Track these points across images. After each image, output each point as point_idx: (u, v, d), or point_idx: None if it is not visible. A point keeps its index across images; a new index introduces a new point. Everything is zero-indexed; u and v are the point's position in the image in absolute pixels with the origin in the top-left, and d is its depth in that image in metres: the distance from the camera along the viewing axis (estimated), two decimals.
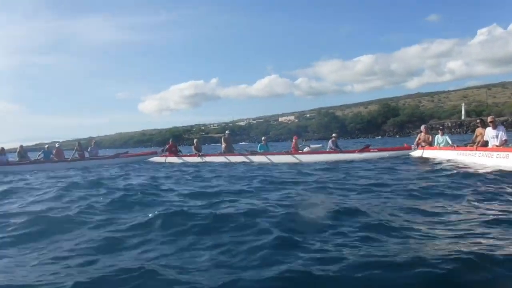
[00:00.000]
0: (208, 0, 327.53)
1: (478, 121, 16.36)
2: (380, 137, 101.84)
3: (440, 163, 14.70)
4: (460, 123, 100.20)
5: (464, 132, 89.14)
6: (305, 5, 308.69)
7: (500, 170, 11.16)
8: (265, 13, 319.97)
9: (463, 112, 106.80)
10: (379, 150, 20.12)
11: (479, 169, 11.98)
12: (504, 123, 14.51)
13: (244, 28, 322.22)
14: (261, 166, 18.20)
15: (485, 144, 14.17)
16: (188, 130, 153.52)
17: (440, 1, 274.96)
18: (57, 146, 24.74)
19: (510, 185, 8.50)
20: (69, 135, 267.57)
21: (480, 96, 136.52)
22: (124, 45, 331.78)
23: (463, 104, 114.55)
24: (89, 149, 24.79)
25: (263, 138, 23.73)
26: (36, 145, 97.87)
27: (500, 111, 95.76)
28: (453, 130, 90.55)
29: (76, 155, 23.93)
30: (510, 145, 13.27)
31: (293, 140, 22.06)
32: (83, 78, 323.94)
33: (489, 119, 14.29)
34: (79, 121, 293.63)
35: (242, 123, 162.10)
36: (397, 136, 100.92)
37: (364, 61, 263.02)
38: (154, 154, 25.31)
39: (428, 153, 17.56)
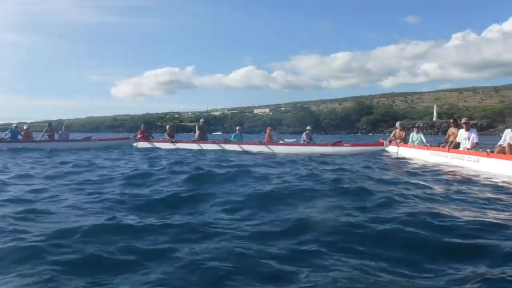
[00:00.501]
0: None
1: (451, 120, 16.58)
2: (352, 134, 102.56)
3: (412, 163, 14.80)
4: (432, 124, 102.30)
5: (435, 133, 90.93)
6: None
7: (471, 173, 11.34)
8: (246, 4, 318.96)
9: (435, 113, 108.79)
10: (353, 145, 20.27)
11: (450, 171, 12.13)
12: (473, 126, 14.88)
13: (223, 18, 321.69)
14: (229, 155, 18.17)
15: (457, 145, 14.34)
16: (162, 117, 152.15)
17: (418, 3, 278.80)
18: (25, 127, 24.09)
19: (476, 190, 8.54)
20: (38, 117, 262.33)
21: (452, 99, 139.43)
22: (99, 27, 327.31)
23: (435, 106, 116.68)
24: (60, 132, 24.14)
25: (237, 128, 23.77)
26: (2, 125, 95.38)
27: (471, 115, 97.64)
28: (424, 130, 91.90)
29: (46, 137, 23.36)
30: (480, 149, 13.40)
31: (267, 131, 22.05)
32: (55, 59, 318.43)
33: (463, 120, 14.41)
34: (49, 103, 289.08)
35: (216, 113, 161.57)
36: (370, 134, 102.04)
37: (342, 58, 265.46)
38: (126, 139, 24.90)
39: (402, 151, 17.76)
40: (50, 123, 25.24)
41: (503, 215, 5.90)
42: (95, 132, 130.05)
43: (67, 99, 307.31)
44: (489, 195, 7.72)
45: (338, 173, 11.23)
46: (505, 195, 7.70)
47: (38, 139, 23.06)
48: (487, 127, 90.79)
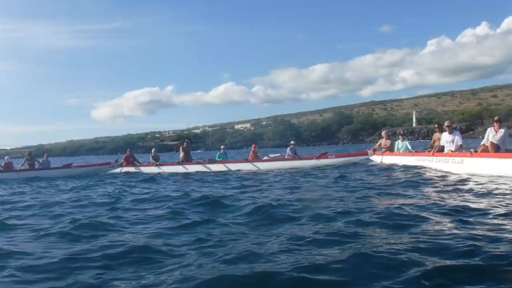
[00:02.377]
0: (164, 9, 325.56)
1: (436, 126, 16.63)
2: (334, 144, 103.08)
3: (396, 169, 14.91)
4: (412, 130, 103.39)
5: (415, 138, 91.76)
6: (262, 14, 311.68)
7: (457, 175, 11.48)
8: (222, 22, 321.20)
9: (414, 120, 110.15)
10: (337, 156, 20.28)
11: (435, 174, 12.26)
12: (457, 129, 15.20)
13: (200, 36, 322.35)
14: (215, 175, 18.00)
15: (442, 149, 14.44)
16: (143, 137, 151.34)
17: (391, 12, 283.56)
18: (5, 159, 23.66)
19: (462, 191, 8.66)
20: (17, 143, 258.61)
21: (430, 104, 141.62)
22: (77, 52, 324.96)
23: (414, 112, 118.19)
24: (41, 161, 23.68)
25: (222, 147, 23.53)
26: None
27: (450, 119, 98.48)
28: (405, 137, 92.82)
29: (26, 165, 23.01)
30: (463, 150, 13.54)
31: (252, 148, 21.94)
32: (33, 84, 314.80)
33: (446, 123, 14.56)
34: (28, 129, 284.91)
35: (197, 131, 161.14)
36: (351, 143, 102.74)
37: (320, 69, 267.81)
38: (107, 165, 24.20)
39: (387, 159, 17.78)
40: (30, 152, 24.87)
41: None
42: (76, 155, 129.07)
43: (47, 124, 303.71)
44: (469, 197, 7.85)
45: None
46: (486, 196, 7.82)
47: (18, 168, 22.68)
48: (466, 130, 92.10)
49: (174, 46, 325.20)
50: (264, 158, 21.49)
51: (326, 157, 19.95)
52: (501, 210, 6.34)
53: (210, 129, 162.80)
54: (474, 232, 5.05)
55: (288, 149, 21.17)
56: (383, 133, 20.30)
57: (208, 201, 9.04)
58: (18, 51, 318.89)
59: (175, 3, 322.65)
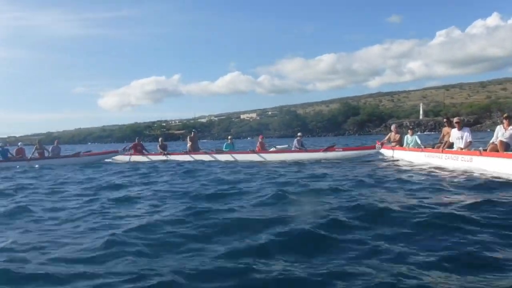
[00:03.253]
0: None
1: (445, 120, 16.42)
2: (340, 135, 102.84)
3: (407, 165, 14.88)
4: (419, 122, 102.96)
5: (422, 131, 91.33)
6: (269, 3, 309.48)
7: (466, 173, 11.43)
8: (229, 11, 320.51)
9: (421, 112, 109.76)
10: (344, 150, 20.21)
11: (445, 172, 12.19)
12: (466, 125, 15.10)
13: (207, 26, 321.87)
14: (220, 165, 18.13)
15: (451, 145, 14.35)
16: (150, 126, 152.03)
17: (400, 2, 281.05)
18: (19, 144, 23.93)
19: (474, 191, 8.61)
20: (27, 131, 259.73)
21: (438, 96, 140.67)
22: (84, 40, 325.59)
23: (421, 104, 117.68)
24: (51, 148, 23.82)
25: (229, 137, 23.52)
26: None
27: (457, 111, 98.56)
28: (414, 131, 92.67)
29: (36, 154, 23.15)
30: (473, 148, 13.46)
31: (259, 139, 21.95)
32: (41, 72, 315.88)
33: (455, 119, 14.35)
34: (37, 116, 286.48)
35: (203, 120, 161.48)
36: (357, 135, 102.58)
37: (327, 60, 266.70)
38: (115, 153, 24.39)
39: (397, 154, 17.69)
40: (39, 140, 24.89)
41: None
42: (83, 143, 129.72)
43: (55, 112, 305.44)
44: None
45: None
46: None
47: (28, 157, 22.81)
48: (474, 123, 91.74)
49: (180, 35, 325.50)
50: (271, 149, 21.51)
51: (334, 150, 19.88)
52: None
53: (216, 118, 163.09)
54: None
55: (295, 141, 21.13)
56: (392, 127, 20.07)
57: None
58: (26, 39, 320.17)
59: None
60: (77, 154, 24.39)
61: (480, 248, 4.51)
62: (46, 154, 23.27)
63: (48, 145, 24.59)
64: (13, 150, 23.32)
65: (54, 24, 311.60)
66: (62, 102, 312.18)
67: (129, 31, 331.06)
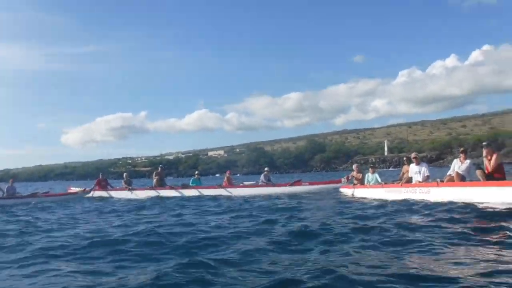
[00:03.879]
0: (138, 34, 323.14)
1: (405, 159, 17.06)
2: (307, 172, 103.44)
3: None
4: (384, 159, 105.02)
5: (387, 167, 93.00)
6: (236, 42, 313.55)
7: (424, 204, 11.83)
8: (196, 48, 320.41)
9: (385, 148, 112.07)
10: (311, 184, 20.53)
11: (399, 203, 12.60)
12: (423, 159, 15.40)
13: (175, 63, 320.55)
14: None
15: (410, 180, 14.76)
16: (115, 163, 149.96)
17: (364, 43, 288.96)
18: None
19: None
20: None
21: (402, 133, 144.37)
22: (49, 75, 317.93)
23: (385, 141, 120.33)
24: (6, 188, 22.76)
25: (196, 172, 23.67)
26: None
27: (420, 147, 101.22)
28: (377, 165, 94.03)
29: None
30: (430, 180, 13.97)
31: (226, 174, 22.12)
32: (2, 108, 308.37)
33: (413, 155, 14.96)
34: None
35: (170, 157, 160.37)
36: (324, 171, 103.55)
37: (293, 98, 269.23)
38: (75, 194, 23.32)
39: (358, 192, 17.63)
40: None
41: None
42: (43, 180, 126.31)
43: (15, 148, 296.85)
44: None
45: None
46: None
47: None
48: (436, 158, 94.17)
49: (148, 72, 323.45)
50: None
51: (300, 184, 20.20)
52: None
53: (184, 155, 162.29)
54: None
55: (262, 176, 21.37)
56: (354, 166, 20.25)
57: None
58: None
59: (149, 29, 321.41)
60: (33, 194, 23.20)
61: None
62: (0, 194, 22.20)
63: (5, 182, 23.45)
64: None
65: (18, 58, 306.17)
66: (24, 138, 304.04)
67: (95, 66, 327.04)
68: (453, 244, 6.22)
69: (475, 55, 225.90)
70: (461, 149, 13.51)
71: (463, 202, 11.02)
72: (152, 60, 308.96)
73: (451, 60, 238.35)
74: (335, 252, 6.09)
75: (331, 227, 8.11)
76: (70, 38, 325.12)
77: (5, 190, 21.99)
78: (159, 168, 24.19)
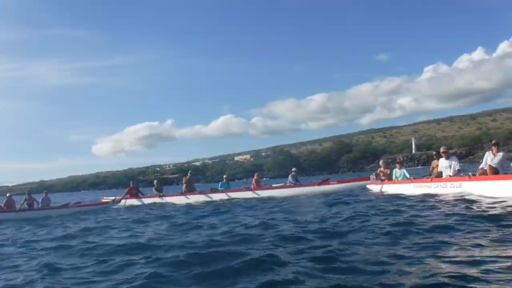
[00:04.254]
0: (163, 45, 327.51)
1: (434, 153, 16.61)
2: (334, 173, 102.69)
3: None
4: (411, 157, 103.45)
5: (415, 165, 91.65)
6: (259, 46, 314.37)
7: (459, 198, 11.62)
8: (220, 55, 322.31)
9: (413, 146, 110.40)
10: (339, 182, 20.39)
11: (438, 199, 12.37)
12: (454, 154, 15.21)
13: (199, 70, 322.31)
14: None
15: (440, 175, 14.53)
16: (143, 171, 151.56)
17: (388, 40, 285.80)
18: (8, 196, 23.22)
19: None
20: (20, 180, 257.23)
21: (430, 130, 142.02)
22: (78, 89, 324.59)
23: (413, 138, 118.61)
24: (41, 199, 23.33)
25: (224, 177, 23.70)
26: None
27: (449, 144, 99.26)
28: (404, 164, 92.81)
29: (25, 205, 22.67)
30: (461, 174, 13.71)
31: (254, 177, 22.17)
32: (35, 122, 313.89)
33: (441, 149, 14.70)
34: (31, 165, 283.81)
35: (197, 163, 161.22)
36: (351, 172, 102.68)
37: (318, 99, 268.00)
38: (105, 204, 23.59)
39: (386, 187, 17.53)
40: (29, 191, 24.43)
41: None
42: (76, 191, 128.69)
43: (49, 160, 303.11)
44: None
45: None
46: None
47: (17, 209, 22.31)
48: (466, 154, 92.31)
49: (173, 80, 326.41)
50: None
51: (328, 184, 20.08)
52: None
53: (210, 161, 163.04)
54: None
55: (289, 177, 21.31)
56: (380, 162, 20.12)
57: None
58: (22, 89, 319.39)
59: (173, 40, 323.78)
60: (65, 205, 23.78)
61: None
62: (36, 205, 22.79)
63: (41, 193, 24.00)
64: (3, 201, 22.72)
65: (49, 74, 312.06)
66: (56, 151, 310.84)
67: (122, 78, 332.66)
68: (490, 242, 5.96)
69: (503, 46, 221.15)
70: (493, 141, 13.17)
71: (497, 196, 10.75)
72: (176, 69, 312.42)
73: (478, 53, 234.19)
74: None
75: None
76: (97, 52, 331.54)
77: (40, 202, 22.68)
78: (189, 174, 24.22)
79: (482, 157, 13.26)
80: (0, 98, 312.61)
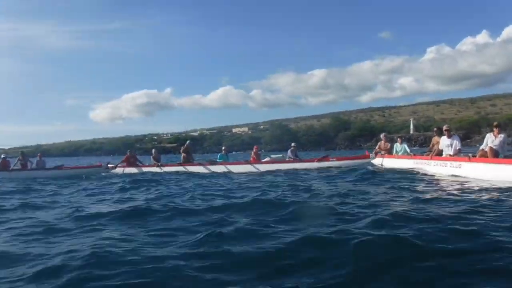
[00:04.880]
0: (163, 11, 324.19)
1: (435, 129, 16.60)
2: (331, 150, 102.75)
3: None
4: (409, 137, 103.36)
5: (412, 145, 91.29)
6: (261, 18, 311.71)
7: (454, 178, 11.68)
8: (221, 25, 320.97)
9: (411, 127, 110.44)
10: (338, 159, 20.48)
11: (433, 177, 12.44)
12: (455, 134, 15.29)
13: (200, 40, 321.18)
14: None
15: (440, 153, 14.59)
16: (141, 139, 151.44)
17: (391, 18, 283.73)
18: (2, 156, 23.42)
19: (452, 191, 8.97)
20: (16, 143, 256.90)
21: (428, 112, 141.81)
22: (76, 52, 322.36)
23: (411, 119, 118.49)
24: (35, 161, 23.43)
25: (223, 148, 23.62)
26: None
27: None
28: (403, 140, 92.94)
29: (18, 165, 22.87)
30: (461, 155, 13.72)
31: (254, 150, 22.16)
32: (31, 84, 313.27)
33: (445, 127, 14.65)
34: (27, 129, 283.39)
35: (195, 134, 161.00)
36: (348, 149, 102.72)
37: (318, 75, 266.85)
38: (99, 167, 23.50)
39: (387, 162, 17.82)
40: (22, 152, 25.11)
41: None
42: (74, 155, 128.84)
43: (46, 124, 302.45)
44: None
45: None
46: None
47: (10, 168, 22.56)
48: (463, 138, 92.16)
49: (173, 48, 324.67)
50: (266, 159, 21.69)
51: (328, 160, 20.18)
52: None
53: (208, 132, 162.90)
54: None
55: (289, 151, 21.31)
56: (381, 136, 20.36)
57: None
58: (17, 50, 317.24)
59: (174, 6, 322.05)
60: (59, 167, 23.93)
61: None
62: (29, 166, 23.00)
63: (35, 157, 24.19)
64: None
65: (46, 36, 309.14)
66: (53, 115, 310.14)
67: (121, 43, 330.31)
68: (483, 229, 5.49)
69: (508, 31, 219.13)
70: (495, 123, 13.14)
71: (497, 179, 10.71)
72: (177, 37, 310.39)
73: (483, 37, 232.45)
74: None
75: None
76: (96, 15, 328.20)
77: (34, 163, 22.95)
78: (187, 144, 24.01)
79: (479, 141, 13.29)
80: None
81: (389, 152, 18.38)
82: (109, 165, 23.50)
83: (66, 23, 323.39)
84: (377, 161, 18.66)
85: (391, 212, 6.32)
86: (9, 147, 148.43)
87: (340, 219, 6.21)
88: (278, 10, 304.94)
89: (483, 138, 12.89)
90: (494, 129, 12.61)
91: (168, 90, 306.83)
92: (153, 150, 25.16)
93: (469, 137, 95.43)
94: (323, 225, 5.73)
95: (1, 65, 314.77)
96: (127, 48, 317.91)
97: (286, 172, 18.36)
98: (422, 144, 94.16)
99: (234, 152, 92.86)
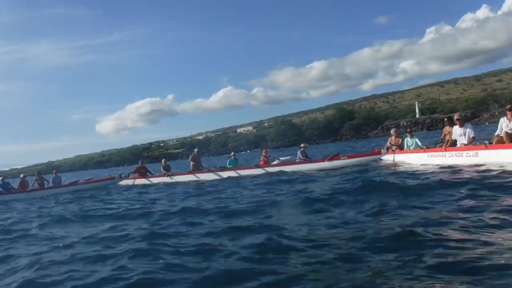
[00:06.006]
0: (158, 18, 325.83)
1: (445, 119, 16.14)
2: (338, 141, 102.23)
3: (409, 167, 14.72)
4: (415, 121, 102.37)
5: (420, 129, 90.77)
6: (255, 14, 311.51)
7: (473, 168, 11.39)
8: (215, 26, 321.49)
9: (417, 110, 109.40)
10: (349, 157, 20.04)
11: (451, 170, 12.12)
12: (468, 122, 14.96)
13: (196, 43, 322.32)
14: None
15: (454, 143, 14.19)
16: (147, 147, 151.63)
17: (387, 3, 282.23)
18: (21, 176, 24.66)
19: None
20: (28, 161, 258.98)
21: (433, 93, 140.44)
22: (78, 67, 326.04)
23: (416, 103, 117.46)
24: (51, 178, 24.34)
25: (232, 154, 23.51)
26: None
27: (453, 107, 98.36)
28: (414, 133, 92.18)
29: (36, 185, 23.40)
30: (477, 143, 13.38)
31: (263, 153, 21.93)
32: (37, 103, 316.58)
33: (456, 116, 14.25)
34: (38, 146, 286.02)
35: (200, 137, 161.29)
36: (355, 139, 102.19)
37: (318, 67, 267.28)
38: (112, 179, 24.67)
39: (399, 157, 17.22)
40: (39, 171, 25.87)
41: None
42: (84, 169, 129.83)
43: (54, 140, 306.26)
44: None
45: None
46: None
47: (28, 189, 23.11)
48: (471, 117, 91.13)
49: (171, 54, 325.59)
50: (275, 162, 21.43)
51: (338, 159, 19.73)
52: None
53: (213, 134, 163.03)
54: None
55: (298, 152, 20.95)
56: (392, 131, 19.70)
57: None
58: (21, 71, 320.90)
59: (168, 12, 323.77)
60: (74, 183, 24.69)
61: None
62: (46, 185, 23.61)
63: (49, 174, 24.92)
64: (16, 182, 23.81)
65: (48, 54, 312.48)
66: (61, 130, 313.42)
67: (121, 54, 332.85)
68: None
69: (509, 3, 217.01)
70: (508, 106, 12.58)
71: None
72: (174, 42, 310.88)
73: (483, 11, 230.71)
74: None
75: None
76: (95, 29, 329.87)
77: (50, 181, 23.61)
78: (195, 151, 23.85)
79: (488, 120, 13.02)
80: (1, 80, 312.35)
81: (401, 147, 17.75)
82: (121, 175, 24.71)
83: (65, 40, 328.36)
84: (388, 157, 18.03)
85: None
86: (22, 166, 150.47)
87: None
88: (270, 5, 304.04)
89: (492, 116, 12.57)
90: (508, 112, 12.24)
91: (170, 96, 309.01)
92: (163, 160, 25.08)
93: (477, 116, 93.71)
94: None
95: (5, 87, 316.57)
96: (127, 59, 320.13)
97: (303, 174, 17.90)
98: (429, 127, 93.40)
99: (240, 152, 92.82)
